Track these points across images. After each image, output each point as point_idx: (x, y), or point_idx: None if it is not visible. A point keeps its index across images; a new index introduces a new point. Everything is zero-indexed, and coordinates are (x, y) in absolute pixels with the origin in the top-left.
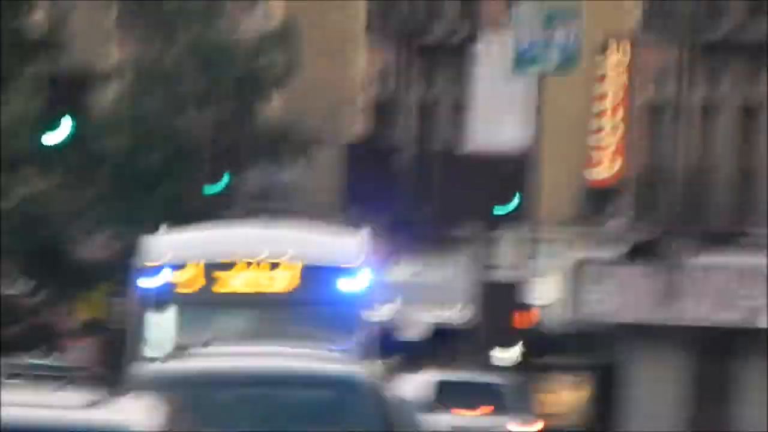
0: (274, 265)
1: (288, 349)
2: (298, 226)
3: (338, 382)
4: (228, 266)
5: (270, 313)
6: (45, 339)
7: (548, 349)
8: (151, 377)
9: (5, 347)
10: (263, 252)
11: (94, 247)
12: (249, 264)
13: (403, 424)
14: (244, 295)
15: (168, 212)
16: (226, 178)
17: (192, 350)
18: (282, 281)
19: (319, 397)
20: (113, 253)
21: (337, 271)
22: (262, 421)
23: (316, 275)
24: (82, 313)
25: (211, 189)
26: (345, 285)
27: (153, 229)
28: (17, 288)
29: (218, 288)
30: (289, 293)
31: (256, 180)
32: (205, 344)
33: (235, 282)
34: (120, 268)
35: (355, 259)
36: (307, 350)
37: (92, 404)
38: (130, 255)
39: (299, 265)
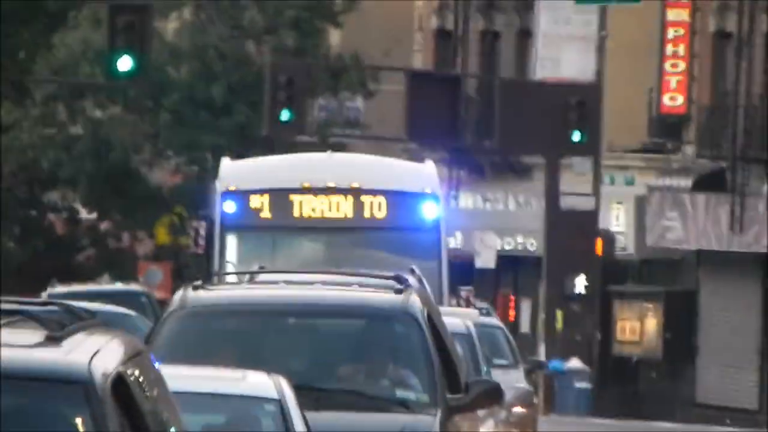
0: (348, 192)
1: (338, 278)
2: (366, 154)
3: (377, 312)
4: (304, 192)
5: (343, 240)
6: (117, 264)
7: (621, 276)
8: (186, 306)
9: (78, 272)
10: (337, 179)
11: (161, 174)
12: (323, 191)
13: (451, 354)
14: (319, 221)
15: (233, 140)
16: (286, 111)
17: (241, 278)
18: (356, 208)
19: (357, 328)
20: (180, 179)
21: (409, 196)
22: (297, 353)
23: (389, 201)
24: (155, 238)
25: (276, 119)
26: (416, 211)
27: (218, 156)
28: (88, 213)
29: (294, 214)
30: (363, 219)
31: (319, 111)
32: (255, 273)
33: (310, 208)
34: (188, 194)
35: (425, 186)
36: (358, 279)
37: (46, 342)
38: (196, 181)
39: (372, 191)
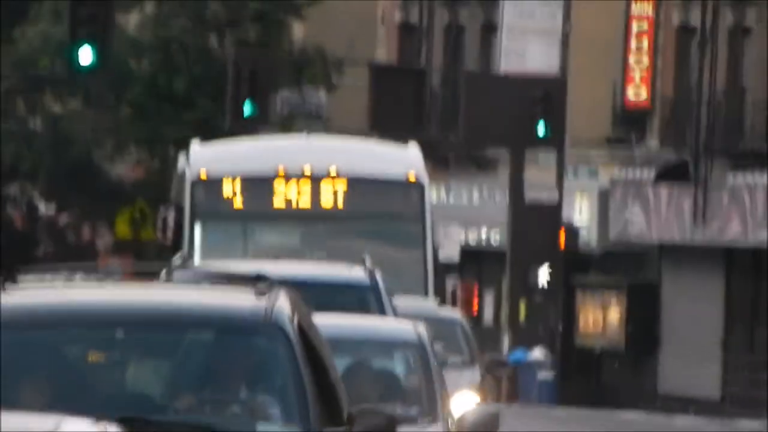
0: (326, 178)
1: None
2: (347, 139)
3: (229, 321)
4: (279, 179)
5: (322, 229)
6: (79, 257)
7: (584, 268)
8: None
9: (40, 265)
10: (314, 164)
11: (123, 168)
12: (299, 177)
13: (329, 376)
14: (295, 210)
15: (196, 133)
16: (250, 104)
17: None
18: (335, 195)
19: (203, 343)
20: (143, 173)
21: (391, 182)
22: (123, 375)
23: (370, 188)
24: (115, 231)
25: (239, 112)
26: (400, 198)
27: (180, 150)
28: (50, 208)
29: (269, 202)
30: (342, 208)
31: (282, 104)
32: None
33: (286, 196)
34: (150, 188)
35: (409, 170)
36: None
37: None
38: (159, 175)
39: (352, 178)
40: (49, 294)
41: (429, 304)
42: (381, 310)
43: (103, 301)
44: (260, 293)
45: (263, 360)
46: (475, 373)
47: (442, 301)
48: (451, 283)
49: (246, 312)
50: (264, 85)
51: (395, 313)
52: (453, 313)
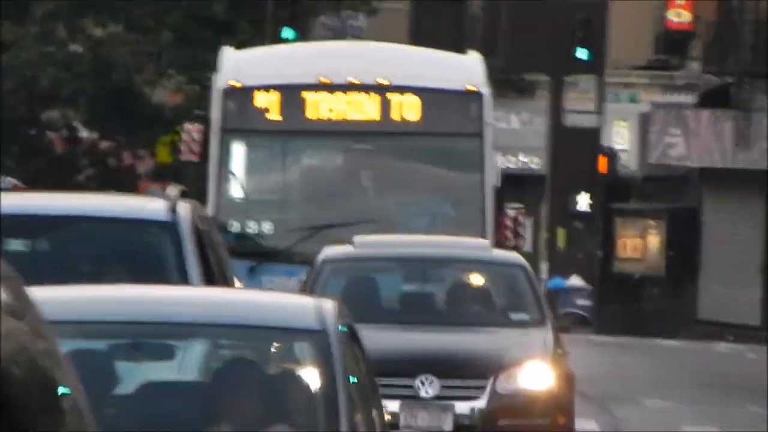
0: (374, 89)
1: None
2: (394, 46)
3: None
4: (320, 89)
5: (366, 147)
6: (119, 182)
7: (623, 194)
8: None
9: (81, 190)
10: (359, 72)
11: (163, 94)
12: (342, 87)
13: None
14: (337, 124)
15: None
16: (289, 29)
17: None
18: (382, 108)
19: None
20: (182, 98)
21: (447, 94)
22: None
23: (423, 100)
24: (156, 156)
25: (278, 36)
26: (456, 112)
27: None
28: (92, 132)
29: (308, 116)
30: (391, 122)
31: (321, 29)
32: None
33: (327, 109)
34: (190, 114)
35: (468, 81)
36: None
37: None
38: (199, 100)
39: (403, 88)
40: None
41: (480, 241)
42: (179, 257)
43: None
44: None
45: None
46: (545, 335)
47: (499, 233)
48: (513, 208)
49: None
50: (304, 10)
51: (219, 264)
52: (512, 255)
